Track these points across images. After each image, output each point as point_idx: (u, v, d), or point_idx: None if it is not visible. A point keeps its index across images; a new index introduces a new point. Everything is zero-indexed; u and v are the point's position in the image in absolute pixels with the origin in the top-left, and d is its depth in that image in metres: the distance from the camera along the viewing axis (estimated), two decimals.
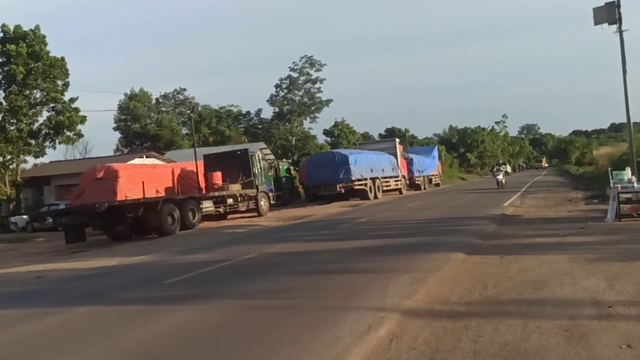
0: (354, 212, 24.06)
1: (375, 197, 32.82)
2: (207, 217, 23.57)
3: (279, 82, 66.26)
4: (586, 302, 5.98)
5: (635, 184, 13.08)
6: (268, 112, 68.81)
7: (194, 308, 7.14)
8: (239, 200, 24.82)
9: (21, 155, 36.24)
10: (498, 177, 32.11)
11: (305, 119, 67.39)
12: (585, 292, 6.37)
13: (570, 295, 6.32)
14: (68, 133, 36.56)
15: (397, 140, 42.57)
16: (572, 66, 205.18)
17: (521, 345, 4.75)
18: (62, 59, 35.42)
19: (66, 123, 35.63)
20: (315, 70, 65.33)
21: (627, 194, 12.97)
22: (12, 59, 33.64)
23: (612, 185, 13.45)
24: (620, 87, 16.59)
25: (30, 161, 41.37)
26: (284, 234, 16.52)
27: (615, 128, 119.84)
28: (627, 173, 13.59)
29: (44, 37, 34.91)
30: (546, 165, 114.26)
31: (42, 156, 38.57)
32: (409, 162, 41.53)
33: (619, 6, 16.17)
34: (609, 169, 15.45)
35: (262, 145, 48.83)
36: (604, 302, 5.87)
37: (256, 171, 26.29)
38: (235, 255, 11.99)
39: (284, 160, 45.45)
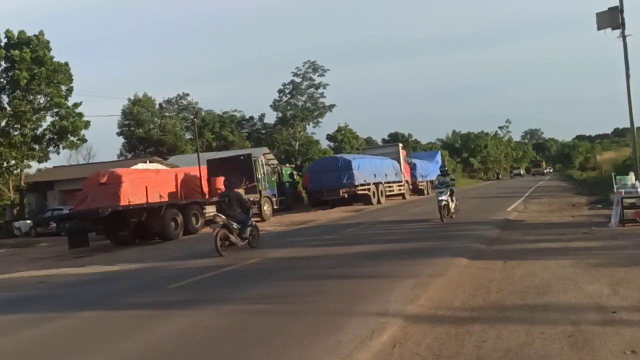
0: (357, 217, 24.03)
1: (379, 202, 32.77)
2: (210, 222, 23.54)
3: (282, 87, 66.65)
4: (590, 307, 5.97)
5: (639, 189, 13.04)
6: (271, 117, 69.21)
7: (197, 313, 7.15)
8: None
9: (25, 160, 36.33)
10: (441, 197, 16.80)
11: (309, 124, 67.71)
12: (589, 298, 6.35)
13: (574, 301, 6.30)
14: (72, 138, 36.66)
15: (400, 145, 42.54)
16: (576, 71, 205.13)
17: (525, 350, 4.74)
18: (66, 64, 35.58)
19: (70, 128, 35.75)
20: (318, 76, 65.73)
21: (630, 199, 12.92)
22: (15, 65, 33.78)
23: (615, 190, 13.43)
24: (623, 92, 16.56)
25: (34, 166, 41.59)
26: (287, 239, 16.51)
27: (618, 133, 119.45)
28: (631, 178, 13.56)
29: (48, 42, 35.05)
30: (548, 170, 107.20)
31: (46, 161, 38.68)
32: (412, 167, 41.48)
33: (622, 11, 16.13)
34: (613, 174, 15.42)
35: (265, 150, 48.91)
36: (608, 308, 5.85)
37: (259, 176, 26.31)
38: (238, 260, 11.99)
39: (287, 165, 45.45)
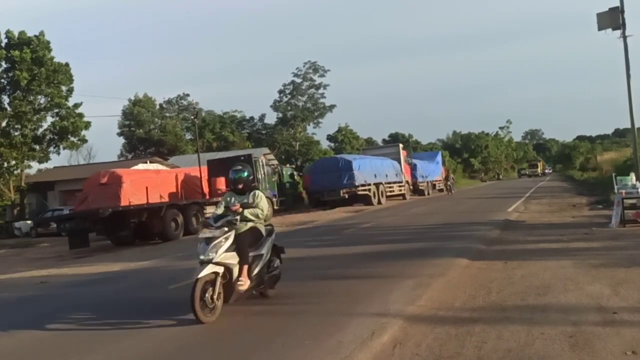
0: (357, 217, 24.03)
1: (379, 202, 32.78)
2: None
3: (282, 88, 66.72)
4: (590, 308, 5.97)
5: None
6: (271, 118, 69.27)
7: None
8: None
9: (25, 161, 36.41)
10: (205, 255, 6.51)
11: (309, 125, 67.76)
12: (590, 298, 6.35)
13: (574, 301, 6.30)
14: (72, 138, 36.74)
15: (401, 145, 42.56)
16: (576, 71, 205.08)
17: (525, 351, 4.74)
18: (66, 64, 35.62)
19: (70, 128, 35.81)
20: (318, 76, 65.80)
21: (631, 199, 12.92)
22: (16, 65, 33.81)
23: (616, 190, 13.44)
24: (624, 93, 16.56)
25: (35, 166, 41.71)
26: (287, 240, 16.41)
27: (619, 133, 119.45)
28: (632, 178, 13.55)
29: (48, 42, 35.09)
30: (547, 170, 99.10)
31: (46, 161, 38.83)
32: (413, 168, 41.49)
33: (622, 12, 16.13)
34: (613, 174, 15.42)
35: (266, 150, 48.91)
36: (609, 308, 5.85)
37: (260, 177, 26.31)
38: None
39: (288, 165, 45.50)
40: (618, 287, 6.73)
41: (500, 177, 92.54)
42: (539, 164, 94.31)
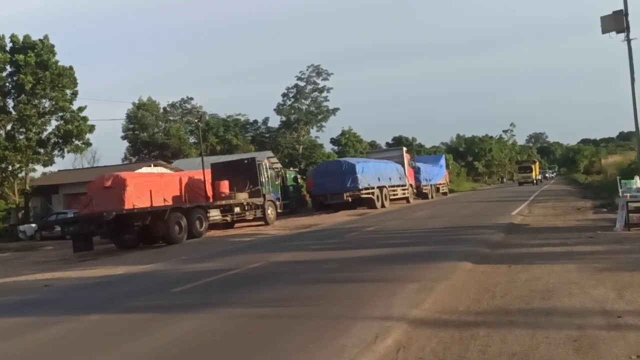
0: (361, 221, 24.01)
1: (383, 205, 32.77)
2: (214, 225, 23.59)
3: (286, 91, 66.85)
4: (595, 312, 5.95)
5: None
6: (275, 121, 69.31)
7: (201, 317, 7.14)
8: (246, 209, 24.85)
9: (30, 164, 36.51)
10: None
11: (312, 128, 67.78)
12: (594, 302, 6.33)
13: (579, 305, 6.28)
14: (76, 142, 36.84)
15: (405, 148, 42.53)
16: (580, 74, 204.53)
17: (529, 355, 4.72)
18: (71, 68, 35.74)
19: (75, 132, 35.90)
20: (322, 79, 65.93)
21: (636, 202, 12.89)
22: (20, 69, 33.94)
23: (620, 194, 13.42)
24: (628, 96, 16.55)
25: (39, 170, 41.77)
26: (291, 243, 16.50)
27: (623, 137, 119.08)
28: (636, 182, 13.55)
29: (53, 46, 35.25)
30: (548, 174, 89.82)
31: (51, 165, 38.95)
32: (417, 171, 41.47)
33: (626, 15, 16.14)
34: (618, 177, 15.40)
35: (270, 154, 48.91)
36: (613, 312, 5.83)
37: (263, 180, 26.34)
38: (242, 264, 11.99)
39: (291, 169, 45.50)
40: (623, 291, 6.71)
41: (504, 180, 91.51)
42: (533, 166, 67.51)
